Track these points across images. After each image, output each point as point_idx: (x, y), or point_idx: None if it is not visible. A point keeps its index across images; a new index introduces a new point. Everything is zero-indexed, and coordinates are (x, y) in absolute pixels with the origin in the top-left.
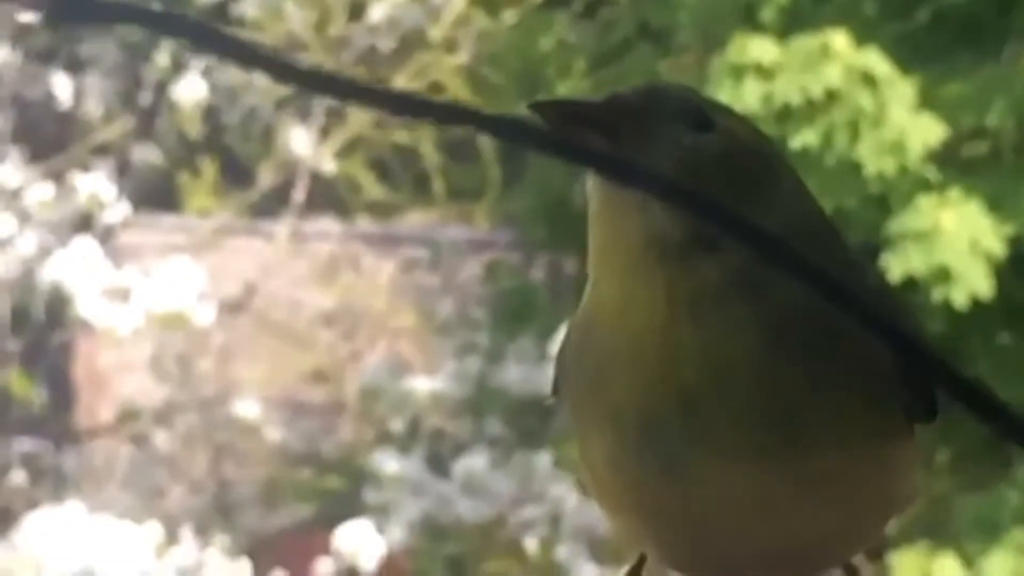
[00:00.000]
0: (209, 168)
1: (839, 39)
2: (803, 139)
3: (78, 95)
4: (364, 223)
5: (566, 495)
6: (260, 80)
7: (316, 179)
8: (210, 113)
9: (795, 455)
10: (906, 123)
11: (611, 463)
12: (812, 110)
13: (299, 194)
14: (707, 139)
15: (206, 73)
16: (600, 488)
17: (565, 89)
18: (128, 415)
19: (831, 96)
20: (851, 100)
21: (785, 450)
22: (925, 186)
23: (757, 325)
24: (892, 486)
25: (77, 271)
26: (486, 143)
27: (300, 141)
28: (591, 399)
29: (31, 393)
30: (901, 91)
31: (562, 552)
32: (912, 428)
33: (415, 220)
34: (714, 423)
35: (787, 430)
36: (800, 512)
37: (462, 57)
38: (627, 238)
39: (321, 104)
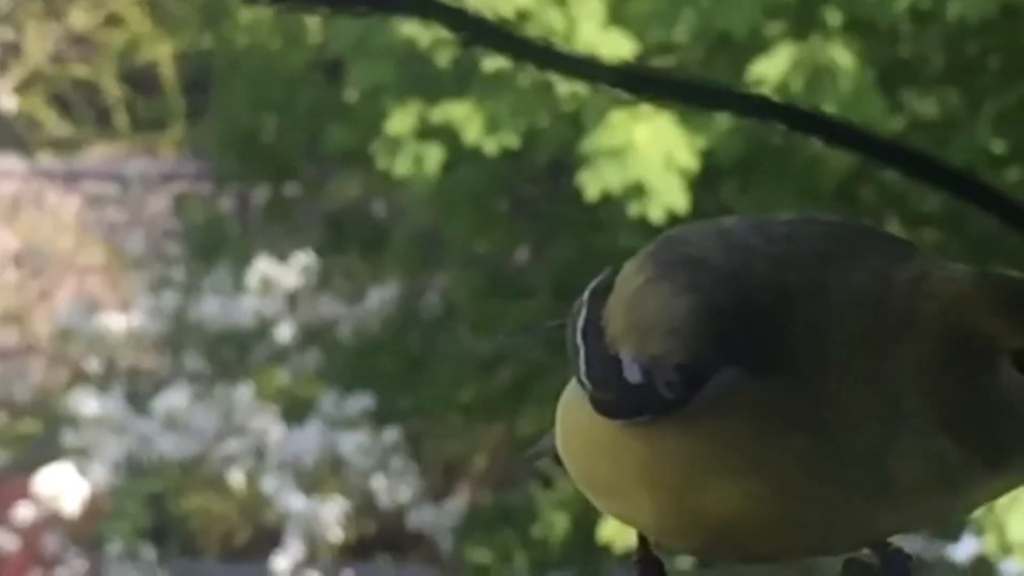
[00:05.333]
0: None
1: None
2: (496, 61)
3: None
4: (47, 160)
5: (269, 427)
6: None
7: None
8: None
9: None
10: (596, 40)
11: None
12: None
13: None
14: None
15: None
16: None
17: (247, 17)
18: None
19: (522, 16)
20: (542, 19)
21: None
22: (617, 102)
23: None
24: None
25: None
26: (168, 74)
27: None
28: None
29: None
30: (590, 8)
31: (268, 484)
32: None
33: (99, 155)
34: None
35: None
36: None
37: None
38: None
39: None
